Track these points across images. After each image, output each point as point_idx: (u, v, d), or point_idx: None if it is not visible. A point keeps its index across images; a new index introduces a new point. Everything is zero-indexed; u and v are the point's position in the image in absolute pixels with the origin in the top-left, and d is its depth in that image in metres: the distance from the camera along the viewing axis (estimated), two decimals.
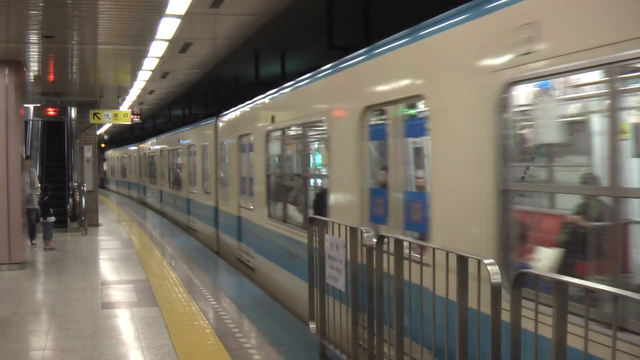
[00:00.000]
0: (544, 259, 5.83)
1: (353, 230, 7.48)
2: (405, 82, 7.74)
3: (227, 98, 22.02)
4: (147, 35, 13.28)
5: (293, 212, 13.19)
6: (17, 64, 15.74)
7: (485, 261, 5.10)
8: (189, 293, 12.45)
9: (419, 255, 6.34)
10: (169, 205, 31.17)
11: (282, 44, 15.89)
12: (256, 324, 10.13)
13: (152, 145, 37.42)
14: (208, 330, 9.74)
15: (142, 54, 15.37)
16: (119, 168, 58.63)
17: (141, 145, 42.75)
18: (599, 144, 5.73)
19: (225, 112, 19.06)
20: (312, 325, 8.65)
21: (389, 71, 8.24)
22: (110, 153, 66.55)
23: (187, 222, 25.82)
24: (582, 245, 5.76)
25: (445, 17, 6.91)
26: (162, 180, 33.29)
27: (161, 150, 33.45)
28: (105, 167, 70.64)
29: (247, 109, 16.18)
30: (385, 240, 6.69)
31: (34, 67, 17.07)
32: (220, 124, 19.60)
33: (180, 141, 27.37)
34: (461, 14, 6.55)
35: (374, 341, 6.97)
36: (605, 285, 4.18)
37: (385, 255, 6.73)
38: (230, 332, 9.68)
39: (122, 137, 62.07)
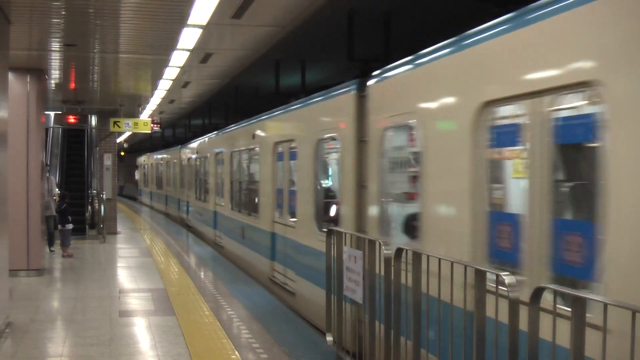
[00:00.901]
0: None
1: (371, 243, 7.49)
2: None
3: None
4: (168, 44, 13.33)
5: None
6: (39, 72, 15.84)
7: (503, 275, 5.09)
8: (207, 303, 12.47)
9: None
10: (233, 238, 20.37)
11: (303, 55, 15.90)
12: (273, 335, 10.12)
13: (200, 147, 27.74)
14: (224, 340, 9.75)
15: (163, 63, 15.43)
16: (153, 177, 47.95)
17: (184, 150, 32.43)
18: None
19: (403, 63, 9.12)
20: (329, 337, 8.65)
21: None
22: (143, 160, 54.77)
23: (269, 271, 15.79)
24: None
25: None
26: (219, 198, 23.20)
27: (217, 153, 23.52)
28: (137, 176, 61.07)
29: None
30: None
31: (55, 75, 17.16)
32: (383, 93, 9.78)
33: (259, 135, 17.41)
34: None
35: (390, 353, 6.97)
36: (624, 302, 4.16)
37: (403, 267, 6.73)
38: (247, 342, 9.68)
39: (141, 145, 61.93)
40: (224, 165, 22.08)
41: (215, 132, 24.79)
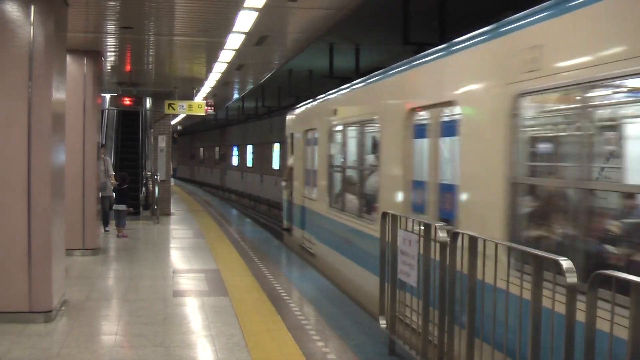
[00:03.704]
0: None
1: (426, 226, 7.46)
2: None
3: None
4: (224, 27, 13.36)
5: None
6: (96, 54, 15.99)
7: (561, 261, 5.04)
8: (261, 285, 12.53)
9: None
10: None
11: (357, 39, 15.86)
12: (325, 317, 10.15)
13: None
14: (277, 321, 9.79)
15: (218, 46, 15.48)
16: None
17: None
18: None
19: None
20: (382, 321, 8.65)
21: None
22: (319, 109, 16.86)
23: None
24: None
25: None
26: None
27: None
28: (290, 161, 20.65)
29: None
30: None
31: (111, 57, 17.34)
32: None
33: None
34: None
35: (444, 338, 6.95)
36: None
37: (458, 252, 6.70)
38: (299, 324, 9.72)
39: (194, 128, 62.05)
40: None
41: None
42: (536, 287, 5.38)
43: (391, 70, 11.33)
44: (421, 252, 7.50)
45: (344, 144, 14.50)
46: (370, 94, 12.66)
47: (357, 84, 13.46)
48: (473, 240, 6.42)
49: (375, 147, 12.49)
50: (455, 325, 6.80)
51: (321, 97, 16.68)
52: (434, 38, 11.24)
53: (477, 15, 11.62)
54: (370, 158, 13.01)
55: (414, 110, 9.99)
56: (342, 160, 14.57)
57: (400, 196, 10.30)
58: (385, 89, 11.68)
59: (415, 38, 12.00)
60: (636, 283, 4.25)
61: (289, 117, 20.65)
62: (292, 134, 20.23)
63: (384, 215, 8.65)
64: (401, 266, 8.01)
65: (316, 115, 16.83)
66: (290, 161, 20.47)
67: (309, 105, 18.19)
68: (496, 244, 6.13)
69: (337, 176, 15.11)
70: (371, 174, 12.84)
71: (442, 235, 7.01)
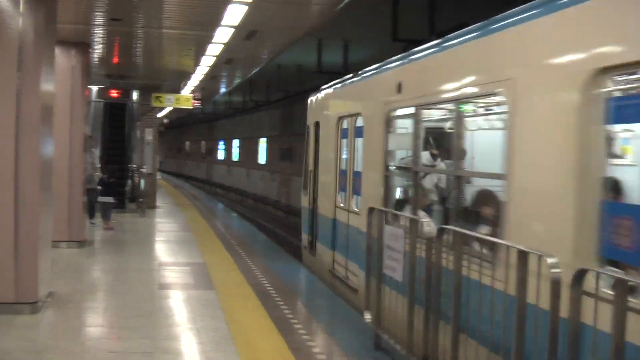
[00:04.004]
0: None
1: (413, 222, 7.49)
2: None
3: None
4: (213, 21, 13.35)
5: None
6: (84, 46, 15.95)
7: (546, 256, 5.08)
8: (247, 279, 12.56)
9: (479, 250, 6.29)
10: None
11: (346, 35, 15.87)
12: (311, 312, 10.19)
13: None
14: (263, 315, 9.82)
15: (207, 39, 15.46)
16: None
17: None
18: None
19: None
20: (367, 315, 8.68)
21: None
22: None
23: None
24: None
25: None
26: None
27: None
28: (311, 158, 15.60)
29: None
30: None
31: (99, 49, 17.28)
32: None
33: None
34: None
35: (429, 332, 6.99)
36: None
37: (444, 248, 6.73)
38: (285, 318, 9.74)
39: (181, 121, 61.86)
40: None
41: None
42: (521, 282, 5.42)
43: (535, 10, 6.44)
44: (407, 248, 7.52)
45: (416, 136, 9.38)
46: (482, 52, 7.67)
47: (448, 41, 8.75)
48: (459, 236, 6.46)
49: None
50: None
51: (371, 69, 12.02)
52: (423, 34, 11.26)
53: (467, 11, 11.68)
54: (480, 156, 9.52)
55: (607, 70, 5.23)
56: (413, 159, 9.46)
57: (566, 226, 5.60)
58: (524, 39, 6.68)
59: (404, 34, 12.01)
60: (619, 279, 4.30)
61: (312, 100, 15.98)
62: (316, 123, 15.21)
63: (371, 209, 8.68)
64: (387, 261, 8.05)
65: (362, 95, 12.39)
66: (311, 159, 15.61)
67: (347, 83, 13.54)
68: (481, 240, 6.17)
69: (401, 182, 10.81)
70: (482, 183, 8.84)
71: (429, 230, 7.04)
